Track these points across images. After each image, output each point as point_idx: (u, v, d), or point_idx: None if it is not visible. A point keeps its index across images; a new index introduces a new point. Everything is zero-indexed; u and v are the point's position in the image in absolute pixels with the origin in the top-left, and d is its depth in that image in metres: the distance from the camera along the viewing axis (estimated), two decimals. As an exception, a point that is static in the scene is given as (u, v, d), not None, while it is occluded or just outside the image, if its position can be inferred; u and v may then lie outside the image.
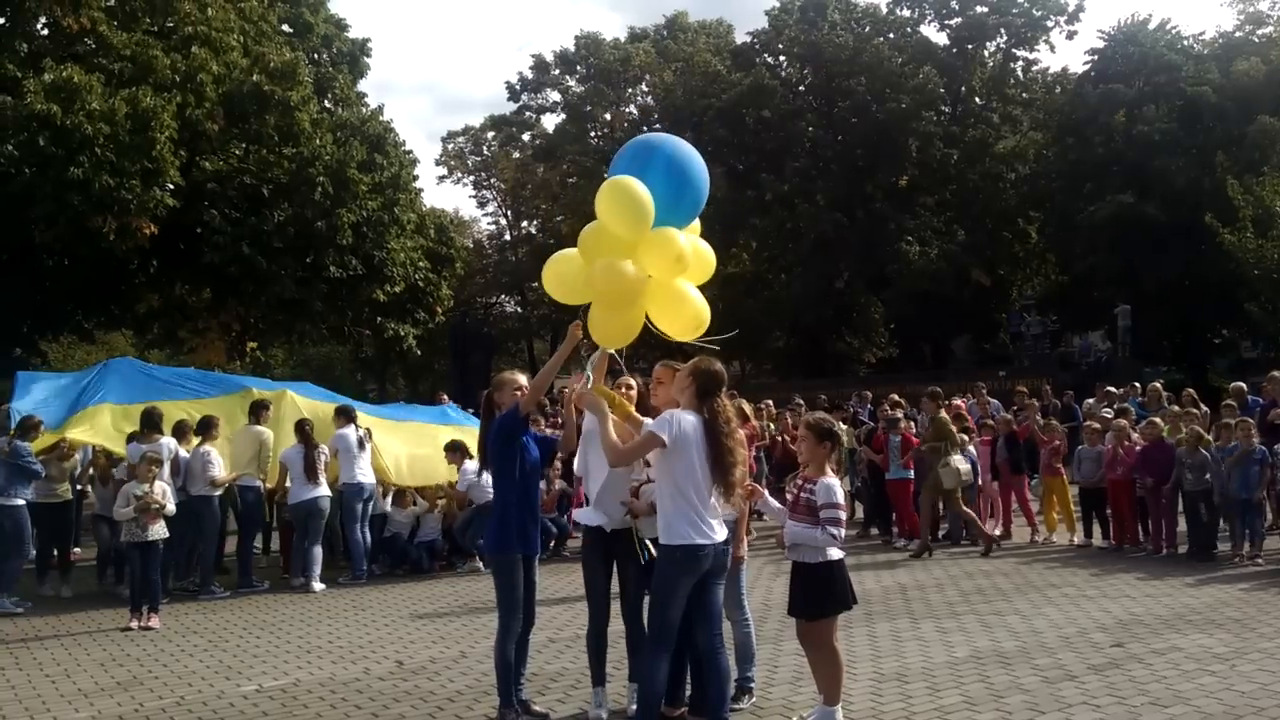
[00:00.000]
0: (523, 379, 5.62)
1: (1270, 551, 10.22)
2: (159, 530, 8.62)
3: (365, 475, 10.78)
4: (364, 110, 23.57)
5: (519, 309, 46.12)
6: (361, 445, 10.80)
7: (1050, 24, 35.38)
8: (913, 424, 13.58)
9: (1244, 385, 13.10)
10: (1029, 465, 12.63)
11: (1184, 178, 27.56)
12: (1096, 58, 33.14)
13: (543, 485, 8.22)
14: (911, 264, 31.60)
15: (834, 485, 5.07)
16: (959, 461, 11.47)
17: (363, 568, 10.72)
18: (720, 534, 4.71)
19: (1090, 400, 15.39)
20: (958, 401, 14.59)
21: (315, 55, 23.79)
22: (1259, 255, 22.69)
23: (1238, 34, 31.98)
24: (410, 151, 23.74)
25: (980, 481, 12.43)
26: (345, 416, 10.95)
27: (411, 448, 11.81)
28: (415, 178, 23.65)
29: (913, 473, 12.33)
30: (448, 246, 25.00)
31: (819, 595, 5.01)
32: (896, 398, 15.00)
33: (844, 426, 15.12)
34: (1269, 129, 26.17)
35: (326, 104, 22.94)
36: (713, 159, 36.05)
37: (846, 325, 36.77)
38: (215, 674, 6.91)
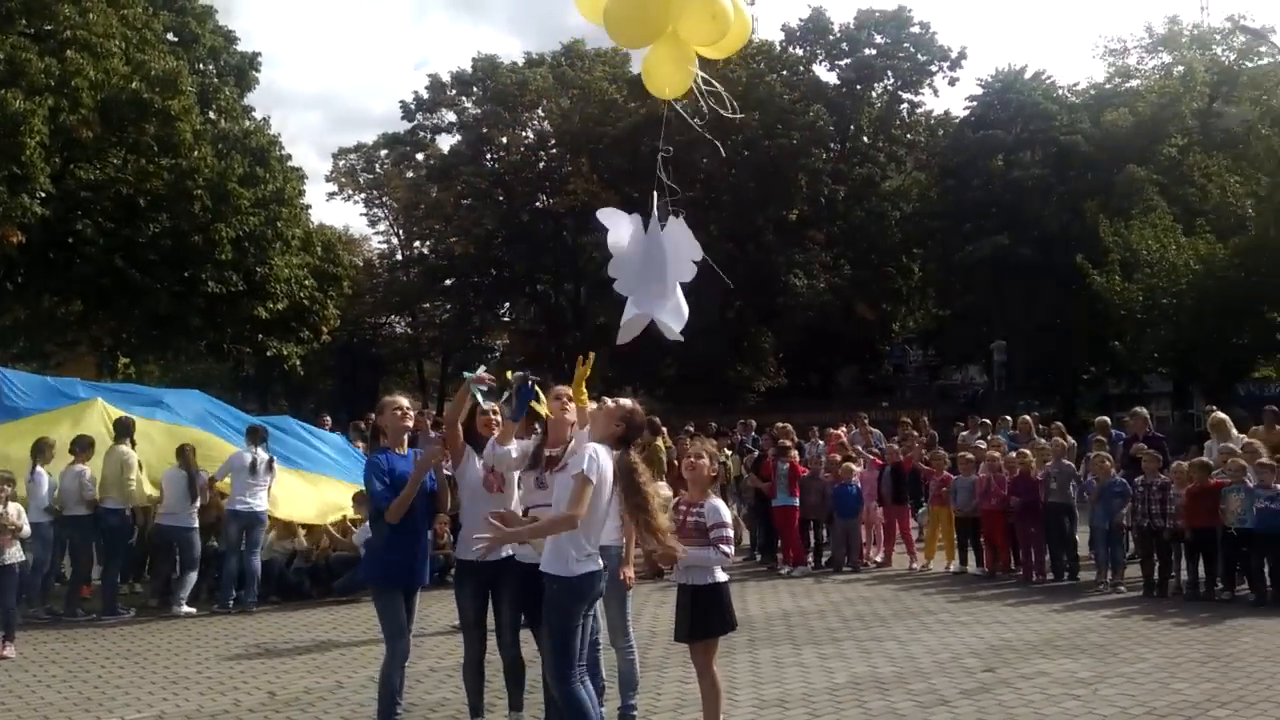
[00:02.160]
0: (404, 401, 5.48)
1: (1131, 579, 10.70)
2: (14, 554, 8.14)
3: (259, 502, 10.39)
4: (249, 123, 22.95)
5: (409, 330, 45.37)
6: (254, 469, 10.36)
7: (934, 69, 36.82)
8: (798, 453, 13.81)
9: (1108, 420, 13.74)
10: (912, 495, 13.00)
11: (1056, 221, 28.94)
12: (976, 104, 34.64)
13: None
14: (800, 296, 32.29)
15: (720, 505, 5.18)
16: (662, 487, 11.63)
17: (253, 595, 10.30)
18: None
19: (965, 431, 15.91)
20: (839, 430, 14.94)
21: (201, 66, 23.09)
22: (1125, 296, 23.91)
23: (1108, 86, 33.83)
24: (299, 168, 23.23)
25: (865, 509, 12.74)
26: (255, 437, 10.56)
27: (308, 484, 11.52)
28: (301, 193, 23.12)
29: (798, 500, 12.54)
30: (335, 265, 24.47)
31: (705, 616, 5.06)
32: (786, 425, 15.25)
33: (729, 453, 15.37)
34: (1136, 177, 27.70)
35: (210, 115, 22.26)
36: (608, 186, 36.47)
37: (737, 354, 37.30)
38: (74, 706, 6.52)
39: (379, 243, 47.03)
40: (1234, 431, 11.68)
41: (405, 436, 5.36)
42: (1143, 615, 9.09)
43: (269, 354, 22.94)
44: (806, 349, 34.68)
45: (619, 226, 5.26)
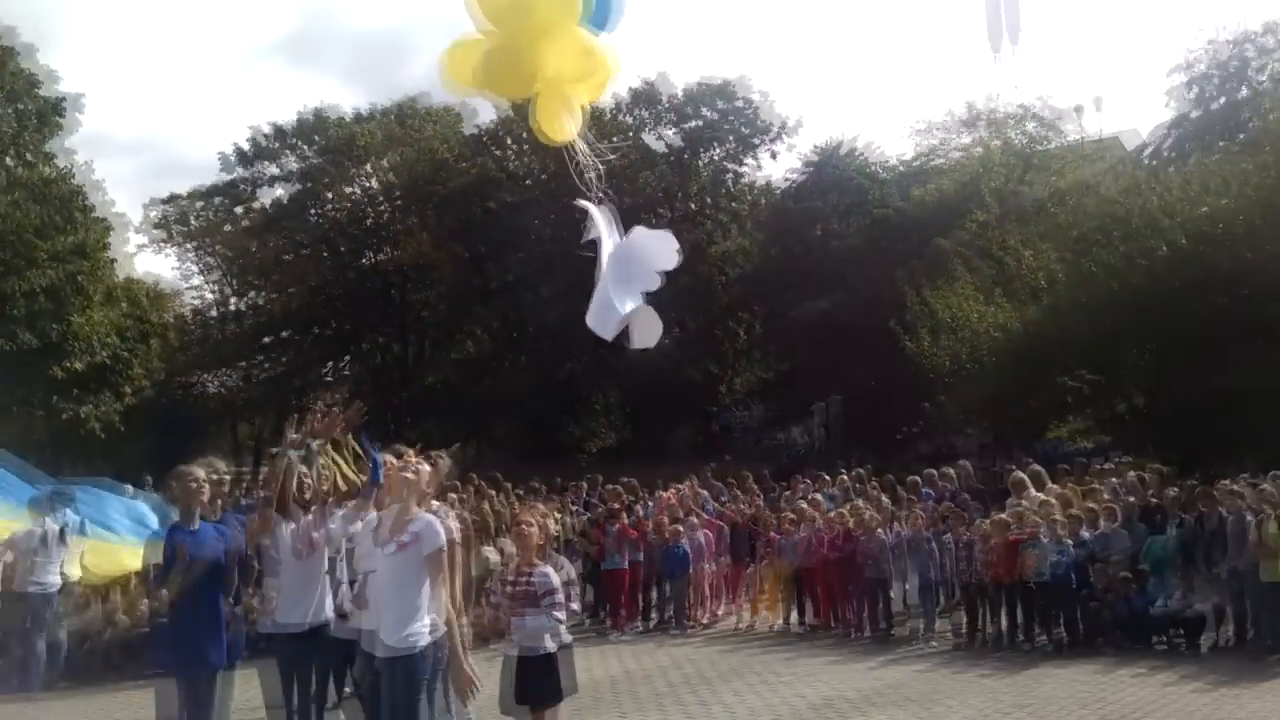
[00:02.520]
0: (199, 472, 5.15)
1: (944, 632, 11.16)
2: None
3: (53, 579, 9.51)
4: (49, 170, 21.51)
5: (227, 388, 43.19)
6: (45, 543, 9.47)
7: (760, 141, 38.33)
8: (627, 514, 13.82)
9: (919, 478, 14.40)
10: (746, 553, 13.22)
11: (873, 288, 30.43)
12: (799, 175, 36.29)
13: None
14: (634, 356, 32.65)
15: (550, 572, 5.09)
16: (490, 552, 11.70)
17: (36, 679, 9.39)
18: None
19: (790, 490, 16.34)
20: (668, 493, 15.07)
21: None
22: (933, 359, 25.29)
23: (916, 163, 36.08)
24: (103, 219, 21.87)
25: (696, 569, 12.84)
26: (44, 507, 9.67)
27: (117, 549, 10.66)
28: (106, 245, 21.75)
29: (627, 563, 12.53)
30: (146, 320, 23.10)
31: (540, 684, 4.94)
32: (617, 487, 15.26)
33: (559, 514, 15.24)
34: (942, 248, 29.54)
35: (9, 162, 20.75)
36: (441, 245, 36.11)
37: (572, 413, 37.29)
38: None
39: (195, 297, 44.87)
40: (1031, 489, 12.45)
41: (198, 510, 5.02)
42: (955, 668, 9.48)
43: (65, 416, 21.28)
44: (641, 408, 35.05)
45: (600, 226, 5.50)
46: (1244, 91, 32.22)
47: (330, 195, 40.20)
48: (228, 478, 4.80)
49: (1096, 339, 20.53)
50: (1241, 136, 27.01)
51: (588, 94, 5.63)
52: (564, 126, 5.75)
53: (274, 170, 40.79)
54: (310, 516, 5.05)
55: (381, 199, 40.28)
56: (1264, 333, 16.92)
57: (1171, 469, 13.63)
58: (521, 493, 16.42)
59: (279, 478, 5.12)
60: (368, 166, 40.50)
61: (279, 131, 40.27)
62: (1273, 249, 16.84)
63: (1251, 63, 33.31)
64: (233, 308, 43.13)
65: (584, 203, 5.79)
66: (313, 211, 40.34)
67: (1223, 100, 33.69)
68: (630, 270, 5.60)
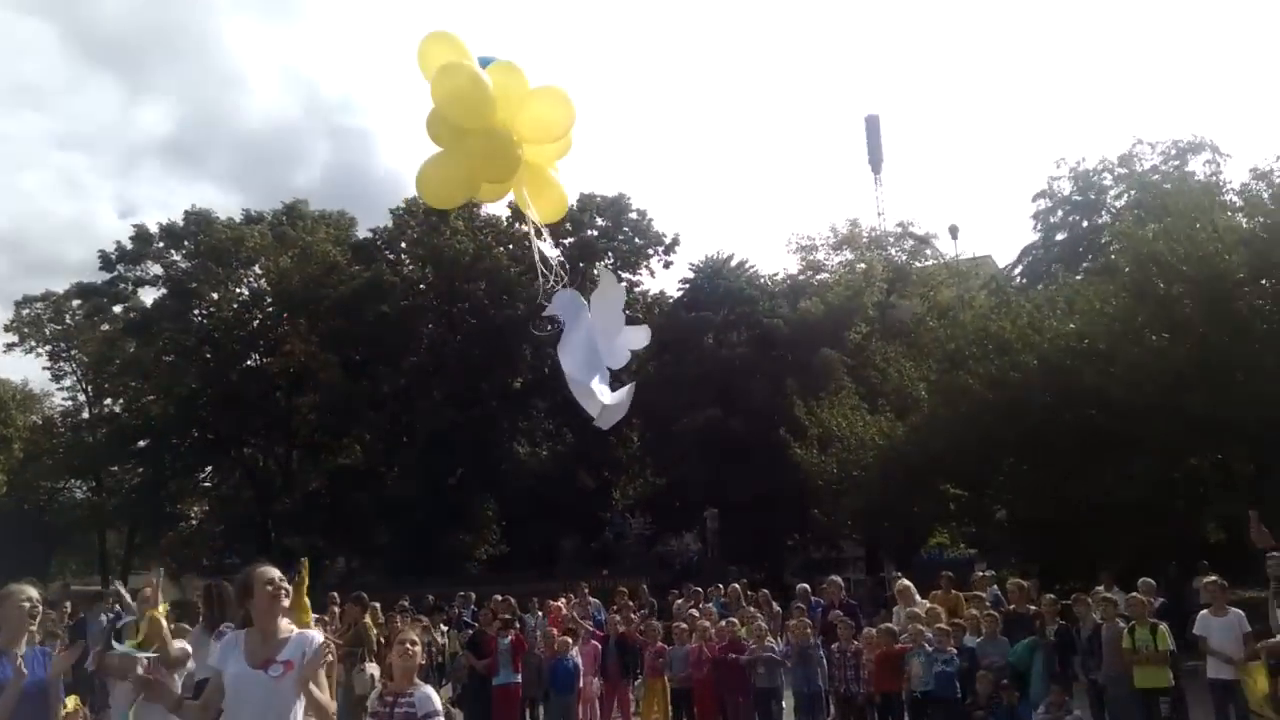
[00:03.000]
0: (32, 592, 4.80)
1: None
2: None
3: None
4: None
5: (93, 495, 40.96)
6: None
7: (651, 253, 39.23)
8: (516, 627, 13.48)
9: (808, 587, 14.48)
10: (630, 666, 12.96)
11: (761, 397, 31.06)
12: (689, 286, 37.15)
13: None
14: (523, 463, 32.40)
15: (431, 693, 4.91)
16: (371, 668, 11.39)
17: None
18: None
19: (680, 600, 16.21)
20: (559, 602, 14.77)
21: None
22: (820, 468, 25.78)
23: (801, 277, 37.41)
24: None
25: (582, 683, 12.51)
26: None
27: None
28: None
29: (520, 677, 12.17)
30: (5, 425, 21.89)
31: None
32: (509, 599, 14.89)
33: (445, 628, 14.77)
34: (827, 359, 30.47)
35: None
36: (328, 349, 35.49)
37: (458, 522, 36.51)
38: None
39: (63, 399, 42.80)
40: (917, 597, 12.65)
41: (25, 636, 4.67)
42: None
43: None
44: (529, 517, 34.55)
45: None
46: (1102, 217, 34.62)
47: (215, 296, 39.29)
48: (40, 607, 4.39)
49: (969, 451, 21.31)
50: (1100, 259, 28.84)
51: (558, 152, 5.87)
52: (559, 198, 6.10)
53: (157, 270, 39.76)
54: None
55: (269, 301, 39.54)
56: (1125, 447, 17.80)
57: (1032, 580, 14.04)
58: (405, 605, 15.91)
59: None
60: (255, 268, 39.84)
61: (164, 230, 39.42)
62: (1130, 367, 17.83)
63: (1108, 190, 35.95)
64: (104, 410, 41.26)
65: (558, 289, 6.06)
66: (196, 312, 39.31)
67: (1084, 224, 36.14)
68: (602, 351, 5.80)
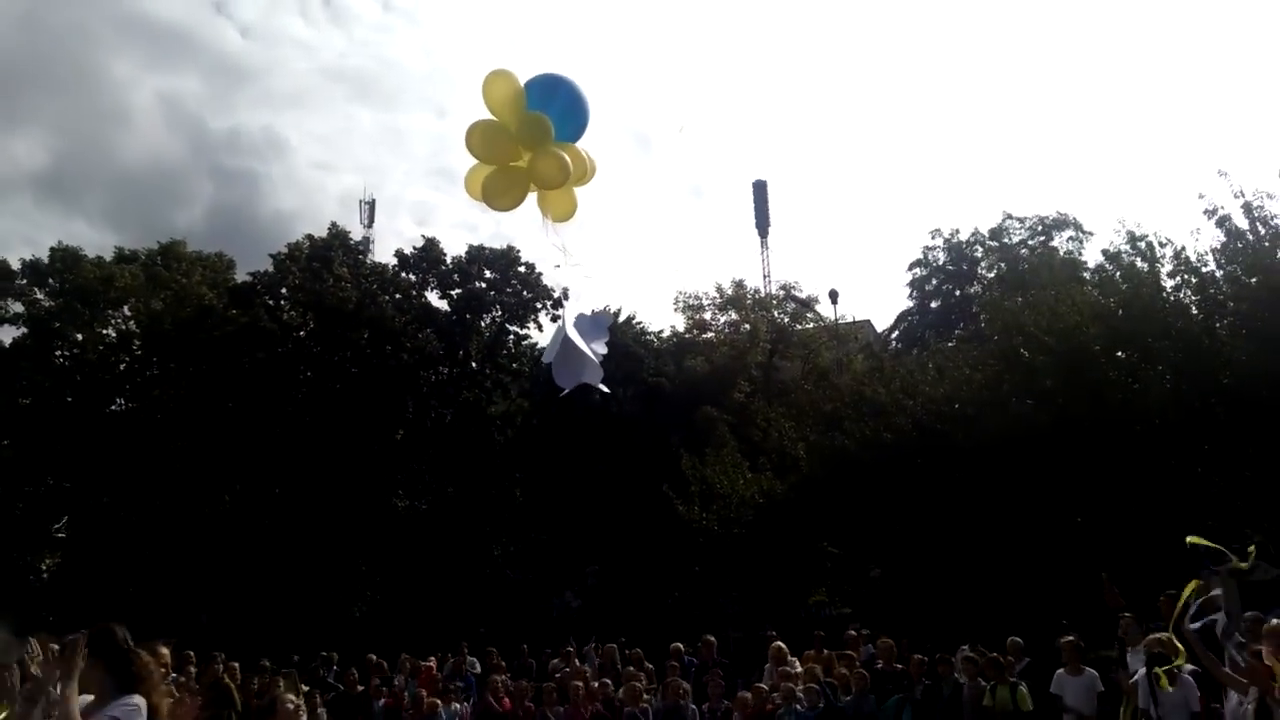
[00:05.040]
0: None
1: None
2: None
3: None
4: None
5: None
6: None
7: (539, 306, 39.15)
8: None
9: (681, 645, 14.46)
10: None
11: (646, 453, 31.14)
12: (576, 340, 37.16)
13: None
14: (402, 516, 31.67)
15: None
16: None
17: None
18: None
19: (556, 659, 15.97)
20: (429, 663, 14.41)
21: None
22: (703, 525, 25.89)
23: (687, 335, 37.86)
24: None
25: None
26: None
27: None
28: None
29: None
30: None
31: None
32: (381, 660, 14.42)
33: (306, 689, 14.18)
34: (710, 416, 30.80)
35: None
36: (199, 395, 34.11)
37: (330, 576, 35.25)
38: None
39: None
40: (789, 656, 12.76)
41: None
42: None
43: None
44: (407, 570, 33.65)
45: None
46: (974, 287, 36.21)
47: (80, 337, 37.44)
48: None
49: (844, 510, 21.79)
50: (970, 327, 30.09)
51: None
52: (570, 202, 7.44)
53: (17, 308, 37.68)
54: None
55: (137, 344, 37.89)
56: (992, 507, 18.45)
57: (904, 640, 14.31)
58: (269, 664, 15.25)
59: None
60: (125, 309, 38.17)
61: (28, 266, 37.52)
62: (995, 432, 18.57)
63: (981, 261, 37.69)
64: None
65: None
66: (58, 353, 37.36)
67: (956, 293, 37.72)
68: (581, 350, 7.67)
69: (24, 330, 37.44)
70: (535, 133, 6.88)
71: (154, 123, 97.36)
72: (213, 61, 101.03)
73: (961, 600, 18.70)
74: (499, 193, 7.06)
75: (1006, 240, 37.80)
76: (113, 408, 37.25)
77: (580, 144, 7.26)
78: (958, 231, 39.24)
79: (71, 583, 35.33)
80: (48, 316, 36.98)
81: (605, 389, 7.90)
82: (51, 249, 37.87)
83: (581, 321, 7.87)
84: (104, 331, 38.19)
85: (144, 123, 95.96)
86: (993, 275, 35.06)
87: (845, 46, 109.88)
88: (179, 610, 29.95)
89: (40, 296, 37.60)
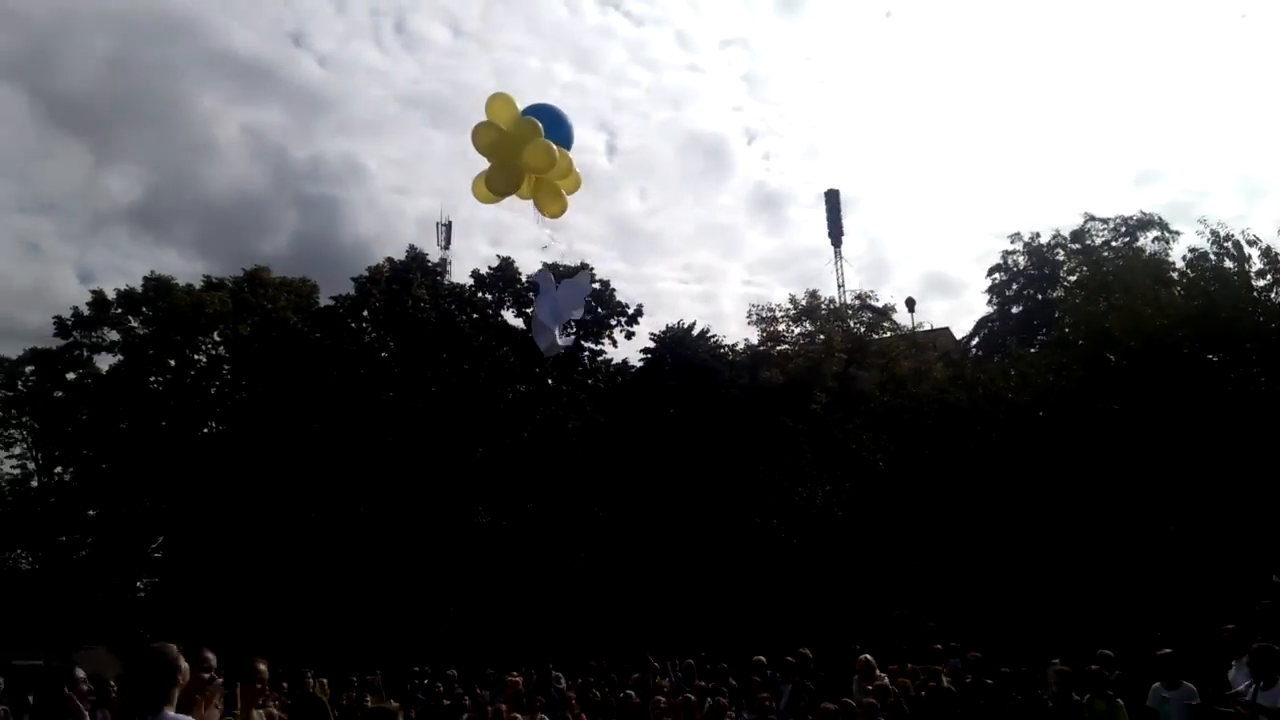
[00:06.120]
0: None
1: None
2: None
3: None
4: None
5: (38, 565, 39.78)
6: None
7: (613, 323, 39.40)
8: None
9: (764, 659, 14.32)
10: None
11: (723, 466, 31.02)
12: (651, 356, 37.30)
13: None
14: (485, 533, 32.09)
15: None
16: None
17: None
18: None
19: (635, 675, 15.93)
20: (515, 678, 14.50)
21: None
22: (783, 537, 25.67)
23: (762, 348, 37.65)
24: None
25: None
26: None
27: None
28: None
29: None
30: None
31: None
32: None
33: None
34: (787, 427, 30.55)
35: None
36: (287, 418, 35.02)
37: (415, 593, 35.84)
38: None
39: (11, 467, 41.76)
40: (877, 671, 12.57)
41: None
42: None
43: None
44: (491, 587, 34.07)
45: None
46: (1056, 291, 35.34)
47: (172, 363, 38.83)
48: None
49: (926, 519, 21.42)
50: (1054, 333, 29.36)
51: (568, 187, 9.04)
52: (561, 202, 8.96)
53: (114, 336, 39.28)
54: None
55: (227, 369, 39.13)
56: (1083, 519, 17.98)
57: (983, 656, 13.97)
58: (355, 684, 15.57)
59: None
60: (215, 335, 39.47)
61: (123, 296, 39.07)
62: (1081, 441, 18.13)
63: (1063, 265, 36.77)
64: (54, 479, 40.29)
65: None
66: (152, 379, 38.79)
67: (1038, 298, 36.87)
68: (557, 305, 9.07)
69: (120, 357, 38.99)
70: (526, 129, 8.57)
71: (239, 154, 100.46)
72: (293, 93, 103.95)
73: (1049, 612, 18.23)
74: (499, 181, 8.61)
75: (1089, 242, 36.88)
76: (205, 430, 38.48)
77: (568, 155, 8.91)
78: (1038, 235, 38.45)
79: (168, 601, 36.51)
80: (142, 344, 38.43)
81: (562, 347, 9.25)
82: (144, 278, 39.41)
83: (564, 289, 9.20)
84: (195, 357, 39.52)
85: (230, 154, 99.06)
86: (1075, 279, 34.22)
87: (914, 51, 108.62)
88: (270, 627, 30.67)
89: (135, 325, 39.11)
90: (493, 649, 25.58)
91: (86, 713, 6.56)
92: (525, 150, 8.49)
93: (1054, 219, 78.48)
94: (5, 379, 40.60)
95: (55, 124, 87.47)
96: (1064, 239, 37.53)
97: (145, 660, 4.30)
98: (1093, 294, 23.17)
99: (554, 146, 8.59)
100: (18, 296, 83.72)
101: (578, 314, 9.78)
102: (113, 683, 9.71)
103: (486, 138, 8.58)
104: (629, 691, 13.38)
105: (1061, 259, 37.36)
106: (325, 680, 15.64)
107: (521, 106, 8.85)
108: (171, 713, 4.18)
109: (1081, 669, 11.55)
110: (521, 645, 27.91)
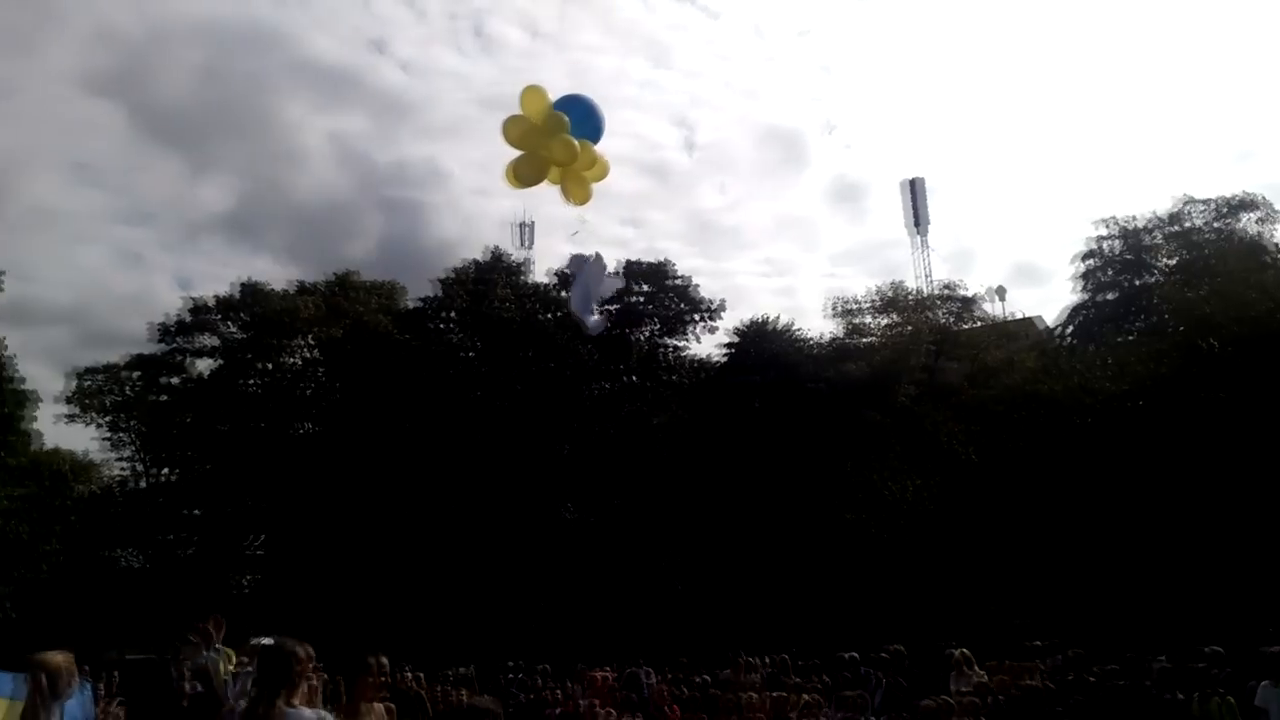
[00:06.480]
0: (58, 659, 5.00)
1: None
2: None
3: None
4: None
5: (147, 564, 41.41)
6: None
7: (694, 318, 39.38)
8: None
9: (857, 655, 14.21)
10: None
11: (804, 461, 30.76)
12: (733, 350, 37.18)
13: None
14: (571, 528, 32.38)
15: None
16: None
17: None
18: None
19: (726, 671, 15.89)
20: (599, 673, 14.62)
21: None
22: (872, 532, 25.36)
23: (845, 340, 37.24)
24: (28, 391, 21.41)
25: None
26: None
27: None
28: (22, 418, 21.21)
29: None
30: (63, 496, 22.33)
31: None
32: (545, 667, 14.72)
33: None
34: (873, 420, 30.16)
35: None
36: (378, 417, 35.82)
37: (504, 589, 36.34)
38: None
39: (121, 469, 43.59)
40: (975, 668, 12.36)
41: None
42: None
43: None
44: (580, 583, 34.38)
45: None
46: (1152, 277, 34.16)
47: (266, 366, 40.06)
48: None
49: (1019, 513, 20.94)
50: (1150, 319, 28.44)
51: (595, 176, 9.59)
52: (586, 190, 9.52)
53: (211, 341, 40.70)
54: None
55: (320, 370, 40.21)
56: (1183, 511, 17.41)
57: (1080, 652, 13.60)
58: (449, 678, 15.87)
59: (213, 676, 5.10)
60: (307, 338, 40.59)
61: (219, 302, 40.42)
62: (1181, 431, 17.54)
63: (1157, 250, 35.51)
64: (161, 479, 41.91)
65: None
66: (249, 381, 40.08)
67: (1134, 284, 35.67)
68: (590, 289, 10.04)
69: (218, 361, 40.39)
70: (553, 124, 9.11)
71: (325, 161, 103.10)
72: (375, 99, 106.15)
73: (1147, 608, 17.68)
74: (526, 172, 9.21)
75: (1185, 225, 35.54)
76: (300, 431, 39.61)
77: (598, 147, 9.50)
78: (1131, 219, 37.19)
79: (269, 597, 37.64)
80: (239, 348, 39.75)
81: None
82: (239, 284, 40.72)
83: (590, 272, 9.93)
84: (289, 360, 40.70)
85: (316, 161, 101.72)
86: (1172, 263, 33.04)
87: (996, 32, 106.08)
88: (365, 622, 31.41)
89: (232, 330, 40.47)
90: (581, 644, 25.79)
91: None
92: (550, 145, 9.02)
93: (1147, 202, 75.95)
94: (112, 384, 42.39)
95: (152, 138, 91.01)
96: (1159, 222, 36.22)
97: (266, 655, 4.50)
98: (1191, 279, 22.41)
99: (576, 142, 9.02)
100: (121, 304, 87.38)
101: (608, 293, 10.57)
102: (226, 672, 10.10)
103: (516, 130, 9.16)
104: (718, 690, 13.41)
105: (1157, 243, 36.09)
106: (421, 674, 16.03)
107: (578, 101, 9.34)
108: (288, 705, 4.35)
109: (1186, 666, 11.20)
110: (609, 641, 28.10)
